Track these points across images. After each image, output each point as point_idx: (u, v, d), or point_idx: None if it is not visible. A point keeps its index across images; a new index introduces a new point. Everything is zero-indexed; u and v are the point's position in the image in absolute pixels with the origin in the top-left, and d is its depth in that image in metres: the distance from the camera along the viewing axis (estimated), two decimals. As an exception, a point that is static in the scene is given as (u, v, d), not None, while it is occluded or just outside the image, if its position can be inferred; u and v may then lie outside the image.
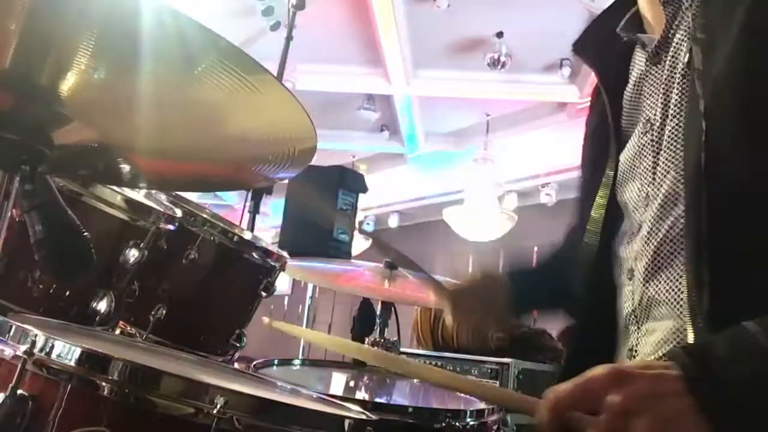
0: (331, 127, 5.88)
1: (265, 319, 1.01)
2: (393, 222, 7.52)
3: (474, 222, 5.63)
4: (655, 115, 0.79)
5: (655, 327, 0.75)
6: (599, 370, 0.55)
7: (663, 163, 0.76)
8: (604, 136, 0.90)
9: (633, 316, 0.79)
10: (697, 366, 0.54)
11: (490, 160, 5.53)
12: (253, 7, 4.13)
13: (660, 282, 0.73)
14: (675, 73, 0.76)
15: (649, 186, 0.78)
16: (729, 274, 0.63)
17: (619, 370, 0.56)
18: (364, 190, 4.23)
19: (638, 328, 0.78)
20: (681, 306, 0.70)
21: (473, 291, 1.18)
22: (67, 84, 0.68)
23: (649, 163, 0.78)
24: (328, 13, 4.28)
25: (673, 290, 0.72)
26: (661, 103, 0.78)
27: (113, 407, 0.73)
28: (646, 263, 0.76)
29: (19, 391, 0.72)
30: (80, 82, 0.68)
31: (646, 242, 0.76)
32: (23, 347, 0.73)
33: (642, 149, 0.81)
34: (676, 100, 0.75)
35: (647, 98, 0.82)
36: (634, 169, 0.82)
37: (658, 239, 0.74)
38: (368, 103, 5.55)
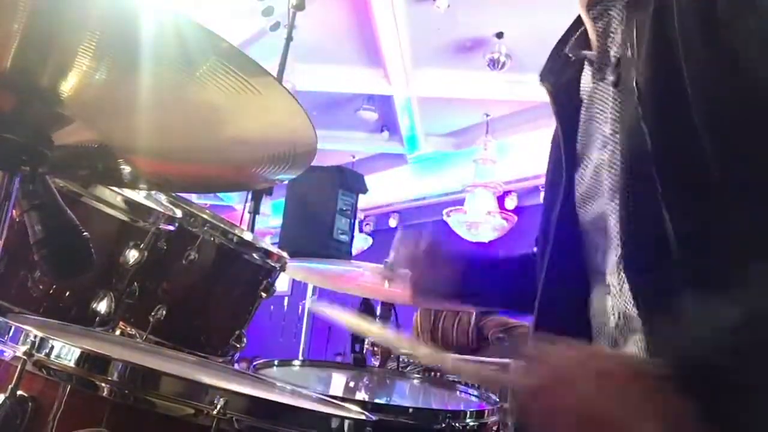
0: (330, 128, 5.88)
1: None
2: (393, 222, 7.52)
3: (474, 223, 5.63)
4: (606, 131, 0.79)
5: (635, 339, 0.75)
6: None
7: (623, 177, 0.75)
8: (559, 159, 0.90)
9: (617, 330, 0.79)
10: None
11: (490, 161, 5.53)
12: (252, 8, 4.13)
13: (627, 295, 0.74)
14: (613, 88, 0.78)
15: (608, 204, 0.78)
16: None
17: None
18: (364, 190, 4.23)
19: (625, 340, 0.78)
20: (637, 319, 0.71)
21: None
22: (68, 85, 0.68)
23: (608, 180, 0.78)
24: (328, 14, 4.29)
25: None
26: (611, 119, 0.78)
27: (113, 408, 0.73)
28: (618, 279, 0.76)
29: (19, 392, 0.72)
30: (81, 83, 0.68)
31: (617, 258, 0.76)
32: (23, 348, 0.74)
33: (600, 167, 0.80)
34: (618, 114, 0.76)
35: (598, 115, 0.82)
36: (595, 187, 0.82)
37: (621, 252, 0.75)
38: (368, 103, 5.55)
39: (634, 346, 0.74)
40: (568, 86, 0.90)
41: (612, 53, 0.80)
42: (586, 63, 0.87)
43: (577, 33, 0.89)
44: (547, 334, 0.88)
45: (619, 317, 0.77)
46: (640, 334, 0.72)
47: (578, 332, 0.85)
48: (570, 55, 0.89)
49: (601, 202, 0.81)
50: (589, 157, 0.84)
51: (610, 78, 0.79)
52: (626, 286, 0.73)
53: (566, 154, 0.88)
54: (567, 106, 0.89)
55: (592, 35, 0.84)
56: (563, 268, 0.88)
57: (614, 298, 0.78)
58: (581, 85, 0.88)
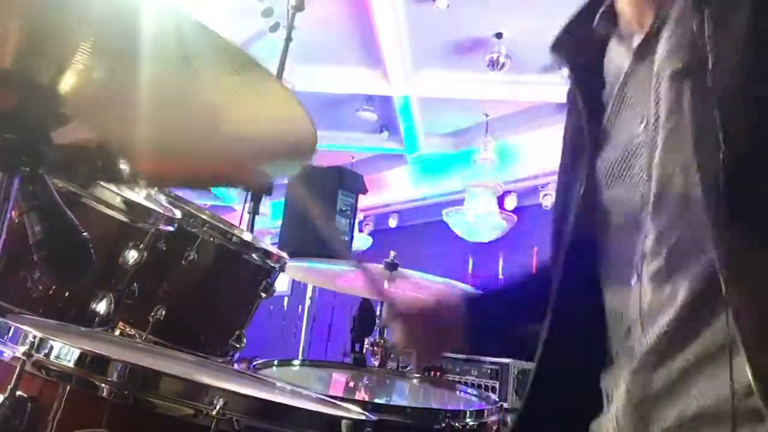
0: (330, 128, 5.88)
1: None
2: (392, 222, 7.52)
3: (474, 223, 5.63)
4: (648, 112, 0.77)
5: (658, 329, 0.74)
6: None
7: (664, 161, 0.73)
8: (582, 141, 0.87)
9: (639, 317, 0.77)
10: None
11: (490, 161, 5.53)
12: (252, 8, 4.13)
13: (676, 283, 0.72)
14: (667, 69, 0.75)
15: (645, 185, 0.76)
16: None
17: None
18: (364, 190, 4.24)
19: (642, 330, 0.77)
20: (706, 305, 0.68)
21: (425, 315, 1.08)
22: (67, 83, 0.68)
23: (644, 161, 0.76)
24: (327, 14, 4.29)
25: (692, 291, 0.70)
26: (654, 100, 0.76)
27: (112, 408, 0.73)
28: (658, 266, 0.74)
29: (18, 393, 0.72)
30: (80, 81, 0.68)
31: (657, 244, 0.74)
32: (22, 348, 0.73)
33: (637, 148, 0.78)
34: (674, 96, 0.73)
35: (636, 95, 0.80)
36: (625, 168, 0.80)
37: (672, 242, 0.72)
38: (367, 103, 5.54)
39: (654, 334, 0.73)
40: (592, 62, 0.88)
41: (667, 33, 0.76)
42: (614, 39, 0.85)
43: (603, 7, 0.86)
44: (565, 316, 0.86)
45: (642, 305, 0.76)
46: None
47: (595, 316, 0.84)
48: (600, 31, 0.86)
49: (623, 186, 0.80)
50: (618, 138, 0.82)
51: (667, 56, 0.75)
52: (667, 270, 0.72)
53: (589, 133, 0.85)
54: (589, 84, 0.87)
55: (637, 11, 0.81)
56: (584, 249, 0.86)
57: (643, 285, 0.76)
58: (612, 62, 0.86)
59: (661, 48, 0.76)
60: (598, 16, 0.87)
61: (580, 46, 0.90)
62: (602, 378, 0.84)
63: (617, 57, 0.85)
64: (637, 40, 0.80)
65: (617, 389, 0.78)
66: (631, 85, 0.81)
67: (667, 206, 0.73)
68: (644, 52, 0.79)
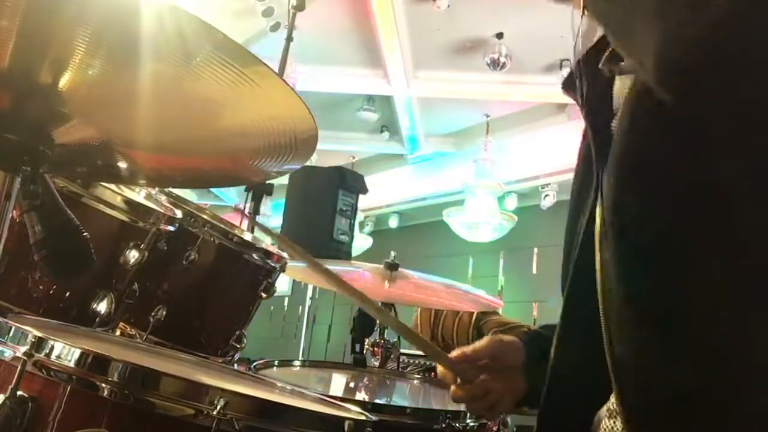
0: (331, 128, 5.88)
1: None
2: (393, 223, 7.52)
3: (474, 223, 5.63)
4: None
5: None
6: None
7: None
8: (590, 163, 0.89)
9: None
10: None
11: (490, 161, 5.53)
12: (253, 8, 4.13)
13: None
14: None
15: None
16: None
17: None
18: (364, 190, 4.24)
19: None
20: None
21: (482, 360, 0.99)
22: (66, 81, 0.68)
23: None
24: (328, 14, 4.29)
25: None
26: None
27: (113, 408, 0.73)
28: None
29: (19, 393, 0.72)
30: (79, 79, 0.68)
31: None
32: (23, 348, 0.73)
33: None
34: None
35: None
36: None
37: None
38: (368, 104, 5.54)
39: None
40: (601, 97, 0.91)
41: None
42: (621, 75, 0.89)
43: (608, 51, 0.88)
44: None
45: None
46: None
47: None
48: (605, 71, 0.88)
49: None
50: None
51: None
52: None
53: (598, 163, 0.86)
54: (599, 115, 0.89)
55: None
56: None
57: None
58: (619, 93, 0.88)
59: None
60: (604, 58, 0.88)
61: (589, 83, 0.93)
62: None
63: (623, 87, 0.87)
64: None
65: None
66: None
67: None
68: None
